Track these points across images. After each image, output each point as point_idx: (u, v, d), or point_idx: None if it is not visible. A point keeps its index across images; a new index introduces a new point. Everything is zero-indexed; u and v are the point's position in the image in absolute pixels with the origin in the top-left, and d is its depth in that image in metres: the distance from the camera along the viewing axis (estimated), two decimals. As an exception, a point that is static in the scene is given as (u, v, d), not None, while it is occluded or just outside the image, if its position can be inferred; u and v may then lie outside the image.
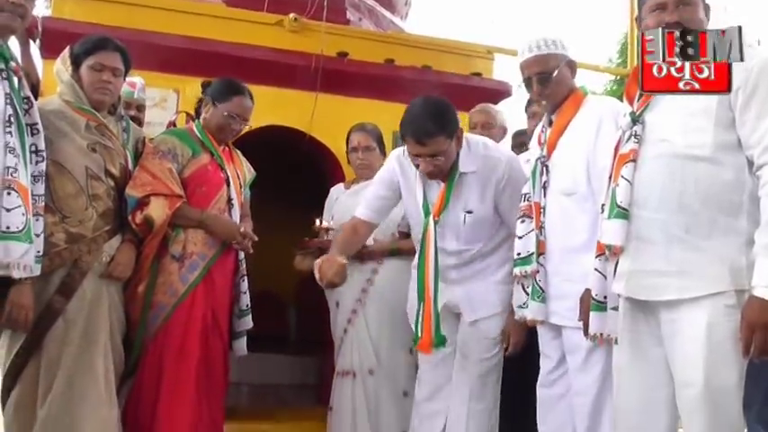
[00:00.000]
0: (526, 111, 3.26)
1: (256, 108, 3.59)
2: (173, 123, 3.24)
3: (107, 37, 2.62)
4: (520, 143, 3.88)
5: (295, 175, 4.72)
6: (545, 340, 2.55)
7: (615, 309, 2.10)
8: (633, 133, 1.99)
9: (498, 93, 4.22)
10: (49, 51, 3.45)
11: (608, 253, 2.04)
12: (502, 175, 2.64)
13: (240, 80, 2.97)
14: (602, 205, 2.11)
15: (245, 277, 2.92)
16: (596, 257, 2.13)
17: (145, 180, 2.60)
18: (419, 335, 2.59)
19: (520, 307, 2.53)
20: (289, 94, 3.81)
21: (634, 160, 1.96)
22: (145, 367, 2.59)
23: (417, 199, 2.70)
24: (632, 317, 2.01)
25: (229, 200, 2.80)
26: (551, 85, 2.47)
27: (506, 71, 4.40)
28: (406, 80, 3.97)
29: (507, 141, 3.93)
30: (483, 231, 2.71)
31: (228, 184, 2.80)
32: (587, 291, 2.21)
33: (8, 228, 2.14)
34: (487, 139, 2.83)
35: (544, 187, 2.49)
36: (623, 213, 1.96)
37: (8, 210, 2.14)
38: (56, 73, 2.62)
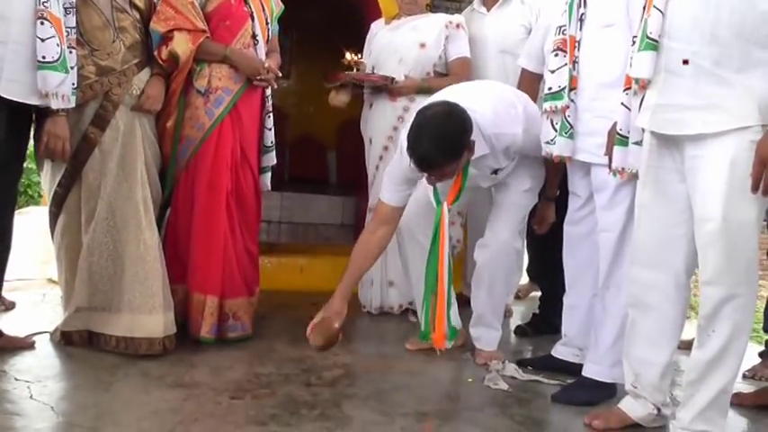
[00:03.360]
0: None
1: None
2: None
3: None
4: None
5: (333, 16, 4.60)
6: (574, 179, 2.55)
7: (638, 144, 2.07)
8: None
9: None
10: None
11: (635, 86, 1.98)
12: (514, 147, 2.50)
13: None
14: (634, 38, 2.03)
15: (271, 114, 2.93)
16: (624, 91, 2.09)
17: (168, 14, 2.59)
18: (430, 330, 2.50)
19: (547, 143, 2.49)
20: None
21: None
22: (178, 197, 2.71)
23: (427, 189, 2.55)
24: (657, 152, 1.98)
25: (254, 35, 2.76)
26: None
27: None
28: None
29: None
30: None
31: (253, 19, 2.75)
32: (615, 124, 2.18)
33: (44, 57, 2.21)
34: (498, 106, 2.51)
35: (581, 20, 2.39)
36: (653, 45, 1.88)
37: (43, 40, 2.20)
38: None
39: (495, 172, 2.60)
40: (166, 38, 2.57)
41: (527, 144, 2.54)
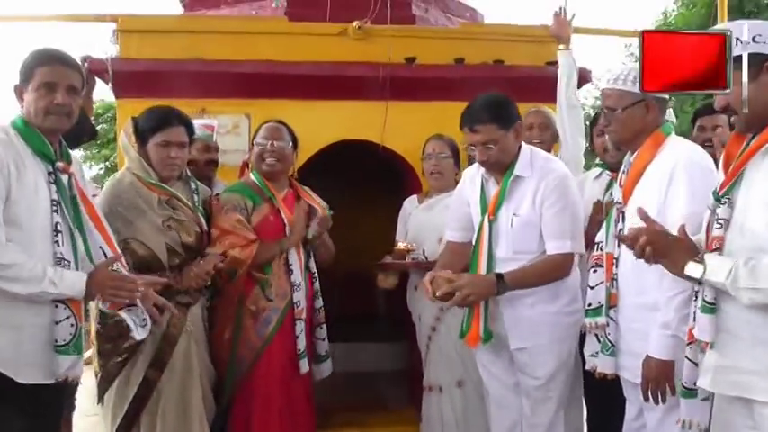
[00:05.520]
0: (592, 127, 3.14)
1: (328, 124, 3.62)
2: (246, 164, 3.24)
3: (171, 111, 2.68)
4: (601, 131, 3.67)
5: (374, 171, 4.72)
6: (627, 387, 2.50)
7: (706, 399, 2.02)
8: (717, 217, 1.85)
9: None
10: (121, 90, 3.56)
11: (697, 347, 1.94)
12: (552, 180, 2.63)
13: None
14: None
15: (323, 326, 3.03)
16: (687, 345, 2.00)
17: (222, 239, 2.74)
18: (467, 329, 2.69)
19: (591, 356, 2.50)
20: (358, 105, 3.77)
21: (719, 249, 1.82)
22: (235, 421, 2.80)
23: (476, 199, 2.76)
24: (726, 402, 1.90)
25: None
26: (615, 122, 2.38)
27: (584, 52, 4.12)
28: (477, 79, 3.77)
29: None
30: (531, 240, 2.67)
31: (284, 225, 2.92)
32: (647, 357, 2.20)
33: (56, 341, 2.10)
34: (552, 156, 2.86)
35: None
36: (711, 308, 1.84)
37: (57, 322, 2.10)
38: (122, 148, 2.73)
39: (516, 215, 2.68)
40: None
41: (547, 212, 2.62)
